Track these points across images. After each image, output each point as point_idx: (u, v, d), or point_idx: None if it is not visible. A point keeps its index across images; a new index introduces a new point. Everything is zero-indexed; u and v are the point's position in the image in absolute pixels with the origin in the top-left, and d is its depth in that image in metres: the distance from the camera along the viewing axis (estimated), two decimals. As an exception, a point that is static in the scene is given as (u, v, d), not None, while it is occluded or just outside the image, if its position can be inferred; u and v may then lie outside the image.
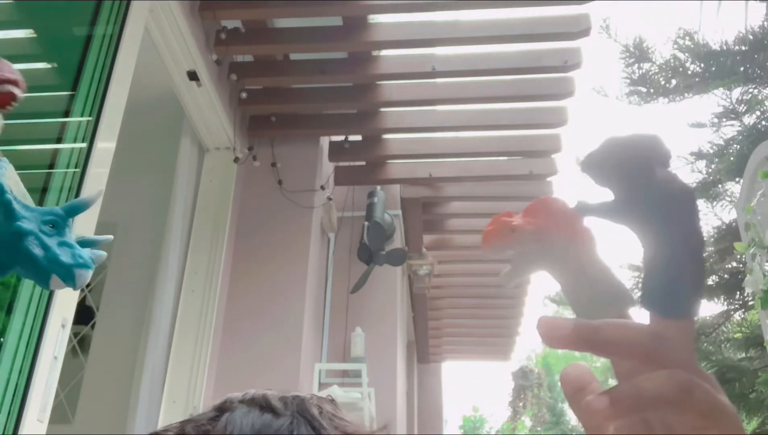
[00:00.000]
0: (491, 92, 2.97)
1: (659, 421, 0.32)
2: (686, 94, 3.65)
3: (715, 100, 3.56)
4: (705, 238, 3.89)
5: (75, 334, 3.08)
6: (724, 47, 3.36)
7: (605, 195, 0.36)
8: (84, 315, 3.18)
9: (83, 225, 1.74)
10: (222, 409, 0.56)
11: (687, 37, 3.52)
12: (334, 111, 3.25)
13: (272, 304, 2.84)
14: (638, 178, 0.34)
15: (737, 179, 3.33)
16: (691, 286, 0.32)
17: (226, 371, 2.65)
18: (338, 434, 0.52)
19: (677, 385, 0.31)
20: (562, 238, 0.42)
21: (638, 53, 3.66)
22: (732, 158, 3.40)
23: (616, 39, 3.67)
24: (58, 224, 0.54)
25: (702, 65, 3.48)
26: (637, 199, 0.34)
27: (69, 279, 0.54)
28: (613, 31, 3.64)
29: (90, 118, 1.88)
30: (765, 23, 3.29)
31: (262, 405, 0.52)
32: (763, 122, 3.46)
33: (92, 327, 3.18)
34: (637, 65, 3.69)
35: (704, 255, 0.33)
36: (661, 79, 3.66)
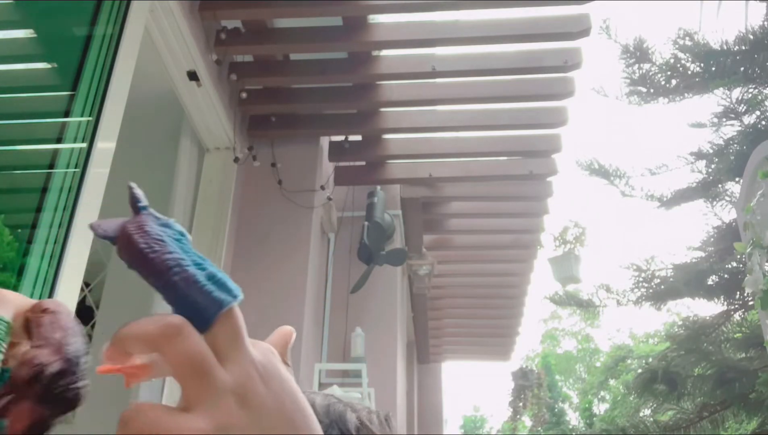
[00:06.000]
0: (491, 92, 2.97)
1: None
2: (686, 94, 3.65)
3: (715, 100, 3.56)
4: (705, 238, 3.86)
5: (75, 334, 3.08)
6: (724, 47, 3.36)
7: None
8: (84, 315, 3.19)
9: (84, 226, 1.75)
10: None
11: (687, 37, 3.52)
12: (334, 111, 3.25)
13: (272, 304, 2.84)
14: None
15: (737, 179, 3.33)
16: (193, 294, 0.32)
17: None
18: None
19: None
20: None
21: (638, 53, 3.66)
22: (732, 158, 3.40)
23: (616, 39, 3.67)
24: None
25: (702, 65, 3.48)
26: None
27: None
28: (613, 31, 3.64)
29: (90, 118, 1.88)
30: (765, 23, 3.29)
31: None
32: (763, 122, 3.46)
33: (92, 327, 3.18)
34: (637, 65, 3.69)
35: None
36: (661, 79, 3.66)
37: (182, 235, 0.34)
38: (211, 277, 0.32)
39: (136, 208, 0.35)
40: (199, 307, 0.31)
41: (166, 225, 0.34)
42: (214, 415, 0.29)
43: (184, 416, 0.29)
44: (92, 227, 0.35)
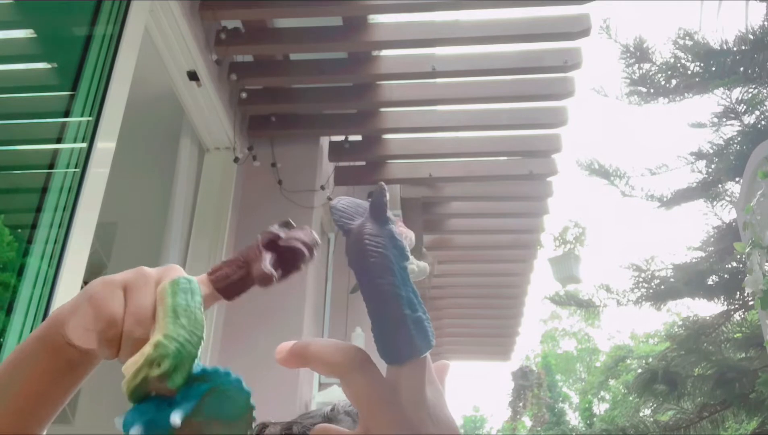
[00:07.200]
0: (491, 92, 2.97)
1: None
2: (686, 94, 3.65)
3: (715, 100, 3.56)
4: (705, 238, 3.84)
5: (75, 334, 3.08)
6: (724, 47, 3.36)
7: None
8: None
9: (83, 225, 1.75)
10: (329, 417, 0.63)
11: (687, 37, 3.52)
12: (334, 111, 3.25)
13: (272, 304, 2.84)
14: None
15: (737, 179, 3.33)
16: (396, 333, 0.33)
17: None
18: None
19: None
20: None
21: (638, 53, 3.66)
22: (732, 158, 3.39)
23: (616, 39, 3.67)
24: None
25: (702, 65, 3.48)
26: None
27: None
28: (613, 31, 3.64)
29: (90, 118, 1.88)
30: (765, 23, 3.29)
31: None
32: (763, 122, 3.46)
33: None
34: (637, 65, 3.69)
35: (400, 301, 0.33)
36: (661, 79, 3.66)
37: (407, 258, 0.35)
38: (417, 322, 0.33)
39: (380, 217, 0.35)
40: (397, 346, 0.33)
41: (400, 248, 0.35)
42: None
43: None
44: (333, 208, 0.36)
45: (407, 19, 2.66)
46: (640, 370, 3.85)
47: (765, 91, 3.46)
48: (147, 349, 0.39)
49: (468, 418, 19.59)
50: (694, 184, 3.75)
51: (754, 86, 3.43)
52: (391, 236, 0.35)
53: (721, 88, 3.42)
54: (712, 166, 3.68)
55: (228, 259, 0.48)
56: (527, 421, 13.74)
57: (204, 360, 2.73)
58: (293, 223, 0.50)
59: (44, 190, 1.77)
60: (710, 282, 3.55)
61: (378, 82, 2.97)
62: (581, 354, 19.47)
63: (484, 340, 6.93)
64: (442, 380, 0.40)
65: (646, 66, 3.68)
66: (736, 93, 3.48)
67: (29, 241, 1.73)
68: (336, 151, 3.37)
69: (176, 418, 0.37)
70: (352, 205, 0.36)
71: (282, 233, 0.51)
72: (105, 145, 1.89)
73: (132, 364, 0.40)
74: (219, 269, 0.48)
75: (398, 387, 0.34)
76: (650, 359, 4.62)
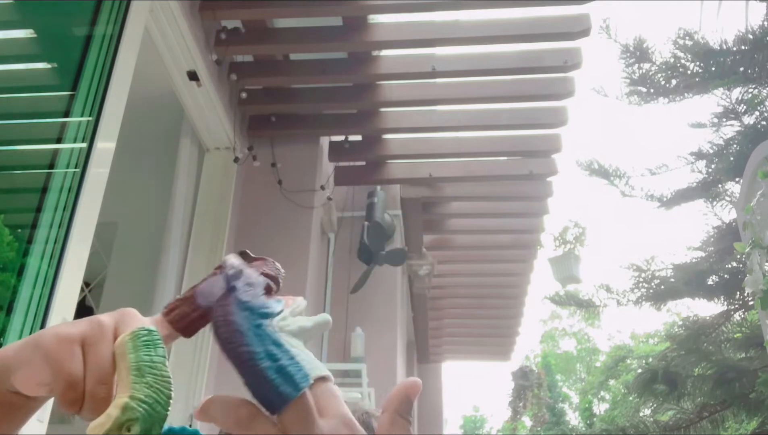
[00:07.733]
0: (491, 92, 2.97)
1: None
2: (686, 94, 3.65)
3: (715, 100, 3.56)
4: (705, 238, 3.84)
5: (75, 334, 3.08)
6: (724, 47, 3.36)
7: None
8: (84, 315, 3.18)
9: (83, 225, 1.75)
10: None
11: (687, 37, 3.52)
12: (334, 111, 3.25)
13: (272, 304, 2.84)
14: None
15: (737, 179, 3.33)
16: (262, 387, 0.36)
17: (226, 371, 2.65)
18: None
19: None
20: None
21: (638, 53, 3.66)
22: (732, 158, 3.39)
23: (616, 39, 3.67)
24: None
25: (702, 65, 3.48)
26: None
27: None
28: (613, 31, 3.64)
29: (90, 118, 1.88)
30: (765, 23, 3.29)
31: None
32: (763, 122, 3.46)
33: (92, 327, 3.18)
34: (637, 65, 3.69)
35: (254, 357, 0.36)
36: (661, 79, 3.66)
37: (265, 316, 0.38)
38: (279, 370, 0.36)
39: (228, 285, 0.40)
40: (267, 399, 0.36)
41: (249, 309, 0.38)
42: None
43: None
44: (197, 294, 0.42)
45: (407, 19, 2.66)
46: (640, 370, 3.85)
47: (765, 91, 3.46)
48: (114, 412, 0.38)
49: (468, 418, 19.60)
50: (694, 184, 3.75)
51: (754, 86, 3.44)
52: (237, 302, 0.38)
53: (721, 88, 3.42)
54: (712, 166, 3.68)
55: (183, 296, 0.47)
56: (527, 421, 13.73)
57: (204, 359, 2.72)
58: (251, 253, 0.49)
59: (44, 190, 1.77)
60: (710, 282, 3.55)
61: (378, 82, 2.97)
62: (581, 354, 19.47)
63: (484, 340, 6.93)
64: (403, 401, 0.39)
65: (646, 66, 3.68)
66: (736, 93, 3.48)
67: (29, 241, 1.73)
68: (336, 151, 3.37)
69: None
70: (213, 291, 0.40)
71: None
72: (105, 145, 1.89)
73: (98, 426, 0.38)
74: (175, 308, 0.46)
75: (286, 431, 0.36)
76: (650, 359, 4.61)
